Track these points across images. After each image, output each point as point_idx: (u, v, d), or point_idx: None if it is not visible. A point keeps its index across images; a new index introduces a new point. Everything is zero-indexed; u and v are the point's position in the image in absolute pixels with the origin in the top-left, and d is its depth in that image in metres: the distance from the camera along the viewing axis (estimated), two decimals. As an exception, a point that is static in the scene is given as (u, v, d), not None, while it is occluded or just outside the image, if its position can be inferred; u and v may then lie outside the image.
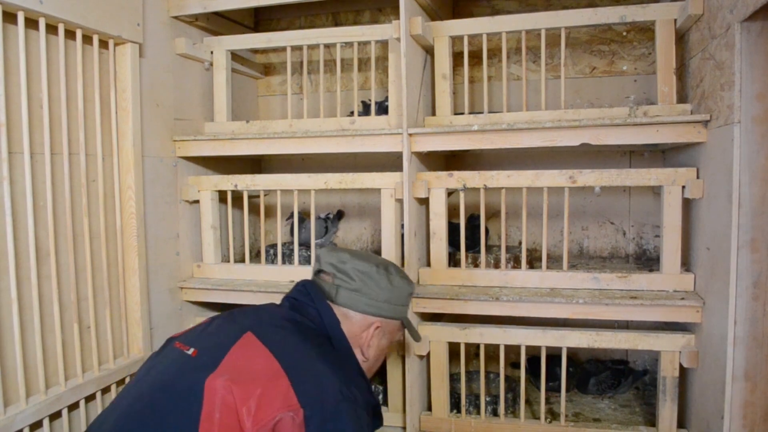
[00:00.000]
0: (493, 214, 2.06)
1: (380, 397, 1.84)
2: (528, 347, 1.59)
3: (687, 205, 1.54)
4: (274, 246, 1.98)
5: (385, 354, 1.22)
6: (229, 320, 1.09)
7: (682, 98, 1.61)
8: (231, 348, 0.97)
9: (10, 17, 1.25)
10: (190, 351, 1.00)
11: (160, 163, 1.73)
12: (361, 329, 1.13)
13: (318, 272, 1.17)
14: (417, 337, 1.30)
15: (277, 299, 1.73)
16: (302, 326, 1.07)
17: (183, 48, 1.78)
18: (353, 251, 1.19)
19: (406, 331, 1.25)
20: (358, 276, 1.13)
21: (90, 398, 1.45)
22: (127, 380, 1.58)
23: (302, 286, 1.15)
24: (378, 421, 1.10)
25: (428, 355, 1.67)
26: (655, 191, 1.97)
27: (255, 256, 2.11)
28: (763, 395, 1.23)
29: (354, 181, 1.72)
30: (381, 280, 1.14)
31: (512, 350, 1.65)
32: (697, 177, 1.47)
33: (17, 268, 1.25)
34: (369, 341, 1.14)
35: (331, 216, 2.06)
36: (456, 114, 1.73)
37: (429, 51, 1.81)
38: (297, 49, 1.95)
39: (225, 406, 0.88)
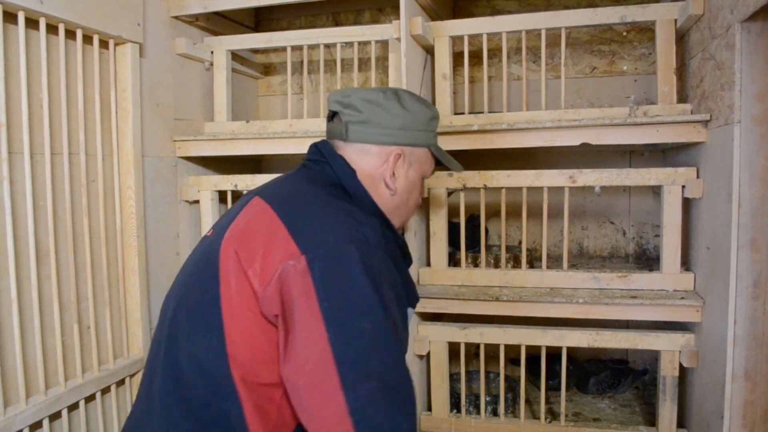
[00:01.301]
0: (493, 213, 2.06)
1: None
2: (528, 347, 1.59)
3: (687, 204, 1.54)
4: (274, 246, 1.98)
5: (420, 191, 1.13)
6: (247, 193, 1.04)
7: (682, 98, 1.61)
8: (238, 215, 0.95)
9: (11, 17, 1.25)
10: (210, 232, 0.99)
11: (160, 163, 1.73)
12: (380, 162, 1.04)
13: (331, 118, 1.08)
14: (455, 167, 1.16)
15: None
16: (312, 180, 1.01)
17: (183, 48, 1.78)
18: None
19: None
20: (364, 106, 1.03)
21: (90, 399, 1.45)
22: (127, 381, 1.58)
23: (314, 146, 1.07)
24: (408, 259, 1.08)
25: (428, 355, 1.67)
26: (655, 191, 1.97)
27: (255, 256, 2.11)
28: (763, 395, 1.23)
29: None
30: (391, 106, 1.03)
31: (512, 350, 1.65)
32: (697, 177, 1.47)
33: (17, 268, 1.25)
34: (391, 170, 1.04)
35: None
36: (456, 114, 1.73)
37: (429, 51, 1.81)
38: (297, 49, 1.95)
39: (237, 272, 0.87)
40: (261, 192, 0.99)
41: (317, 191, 0.97)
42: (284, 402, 0.87)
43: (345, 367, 0.79)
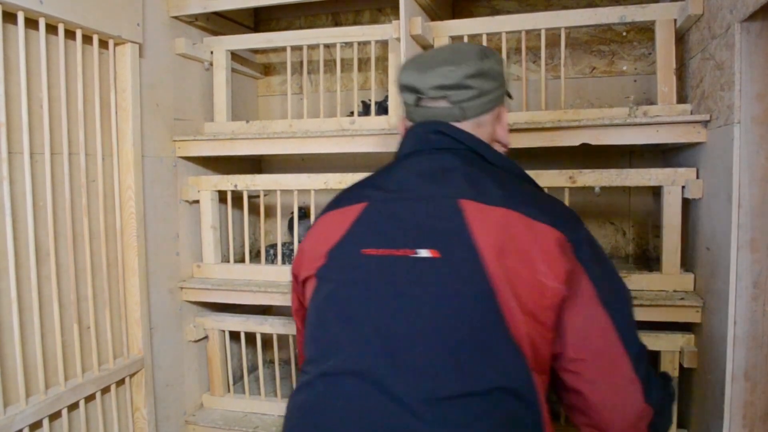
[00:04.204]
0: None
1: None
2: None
3: (687, 205, 1.54)
4: (274, 246, 1.98)
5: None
6: (423, 199, 0.94)
7: (682, 98, 1.61)
8: (469, 227, 0.88)
9: (10, 17, 1.25)
10: (424, 253, 0.88)
11: (160, 163, 1.73)
12: (493, 125, 1.05)
13: (417, 103, 1.02)
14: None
15: (278, 299, 1.74)
16: (492, 169, 0.98)
17: (183, 48, 1.78)
18: (440, 55, 1.03)
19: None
20: (473, 82, 0.99)
21: (90, 398, 1.45)
22: (127, 381, 1.58)
23: (438, 133, 0.99)
24: None
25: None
26: (655, 191, 1.97)
27: (255, 256, 2.11)
28: (763, 395, 1.23)
29: (354, 181, 1.71)
30: (494, 68, 1.02)
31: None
32: (697, 177, 1.47)
33: (17, 269, 1.25)
34: (504, 127, 1.07)
35: None
36: (456, 114, 1.73)
37: (429, 51, 1.81)
38: (297, 49, 1.95)
39: (520, 283, 0.85)
40: (465, 194, 0.91)
41: (514, 180, 0.99)
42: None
43: (625, 337, 0.90)
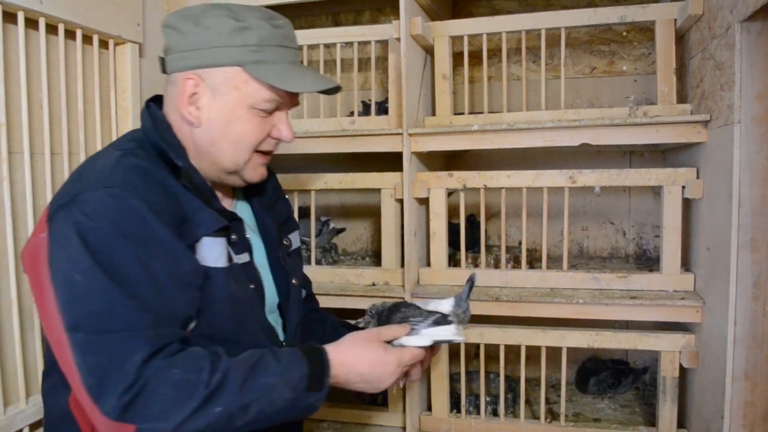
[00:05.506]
0: (493, 214, 2.06)
1: (380, 397, 1.84)
2: (528, 347, 1.59)
3: (687, 205, 1.54)
4: (274, 246, 1.98)
5: (252, 123, 0.93)
6: None
7: (682, 98, 1.61)
8: None
9: (10, 17, 1.25)
10: None
11: (160, 163, 1.73)
12: (181, 93, 0.91)
13: None
14: (299, 85, 0.95)
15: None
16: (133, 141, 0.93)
17: (183, 48, 1.78)
18: None
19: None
20: (165, 32, 0.91)
21: (90, 398, 1.45)
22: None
23: None
24: (208, 199, 0.93)
25: (428, 355, 1.67)
26: (655, 191, 1.97)
27: (255, 256, 2.10)
28: (763, 395, 1.23)
29: (354, 181, 1.72)
30: (183, 26, 0.89)
31: (512, 350, 1.64)
32: (697, 177, 1.47)
33: (17, 269, 1.25)
34: (184, 98, 0.90)
35: (330, 224, 2.05)
36: (456, 114, 1.73)
37: (429, 51, 1.81)
38: (297, 49, 1.95)
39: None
40: None
41: (119, 158, 0.87)
42: None
43: (67, 316, 0.76)
